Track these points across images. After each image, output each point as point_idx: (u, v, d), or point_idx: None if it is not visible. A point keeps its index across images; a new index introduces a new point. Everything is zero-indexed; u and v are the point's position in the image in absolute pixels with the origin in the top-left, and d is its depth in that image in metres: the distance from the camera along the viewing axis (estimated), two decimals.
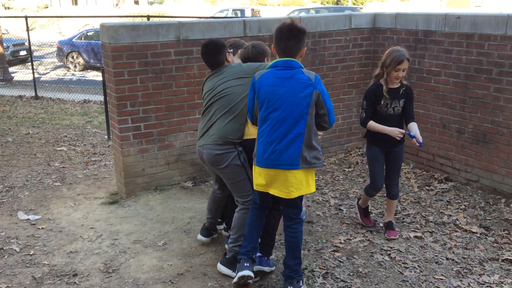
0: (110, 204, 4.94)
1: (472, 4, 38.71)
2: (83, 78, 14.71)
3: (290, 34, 3.06)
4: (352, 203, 4.81)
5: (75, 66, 16.50)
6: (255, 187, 3.28)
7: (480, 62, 4.95)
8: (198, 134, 3.65)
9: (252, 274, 3.28)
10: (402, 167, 5.81)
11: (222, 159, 3.46)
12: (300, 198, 3.25)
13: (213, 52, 3.54)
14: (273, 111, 3.09)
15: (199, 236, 4.04)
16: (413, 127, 3.93)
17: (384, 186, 4.16)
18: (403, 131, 3.89)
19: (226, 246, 3.77)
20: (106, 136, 7.56)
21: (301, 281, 3.31)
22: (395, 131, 3.86)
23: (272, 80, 3.09)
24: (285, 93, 3.06)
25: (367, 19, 6.06)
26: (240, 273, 3.26)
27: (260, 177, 3.20)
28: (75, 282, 3.55)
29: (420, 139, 3.82)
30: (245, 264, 3.28)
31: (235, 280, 3.31)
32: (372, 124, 3.95)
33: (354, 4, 46.00)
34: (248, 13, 26.98)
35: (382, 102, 3.90)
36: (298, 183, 3.13)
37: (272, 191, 3.19)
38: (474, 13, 5.05)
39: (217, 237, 4.11)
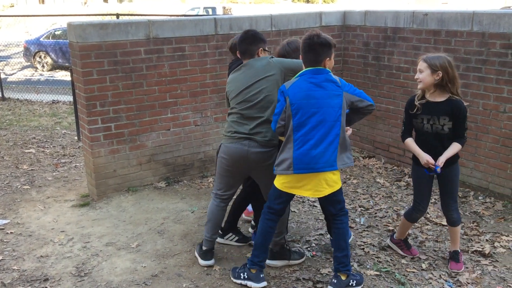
0: (81, 207, 4.85)
1: (439, 1, 39.51)
2: (52, 78, 14.40)
3: (309, 48, 3.11)
4: None
5: (43, 66, 16.15)
6: (283, 189, 3.26)
7: None
8: (230, 131, 3.46)
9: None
10: (373, 163, 5.89)
11: (270, 156, 3.41)
12: (339, 192, 3.28)
13: (249, 41, 3.44)
14: (312, 115, 3.09)
15: (203, 262, 3.71)
16: (448, 149, 3.40)
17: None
18: (432, 162, 3.34)
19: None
20: (76, 137, 7.43)
21: (351, 278, 3.32)
22: (423, 159, 3.38)
23: (305, 86, 3.10)
24: (321, 96, 3.08)
25: (337, 17, 6.11)
26: (260, 285, 3.37)
27: (292, 181, 3.21)
28: (46, 287, 3.47)
29: (439, 163, 3.33)
30: (261, 276, 3.39)
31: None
32: (408, 142, 3.53)
33: (324, 1, 46.42)
34: (219, 11, 26.98)
35: (417, 116, 3.46)
36: (331, 182, 3.19)
37: (304, 193, 3.25)
38: (441, 10, 5.14)
39: (183, 236, 4.08)
